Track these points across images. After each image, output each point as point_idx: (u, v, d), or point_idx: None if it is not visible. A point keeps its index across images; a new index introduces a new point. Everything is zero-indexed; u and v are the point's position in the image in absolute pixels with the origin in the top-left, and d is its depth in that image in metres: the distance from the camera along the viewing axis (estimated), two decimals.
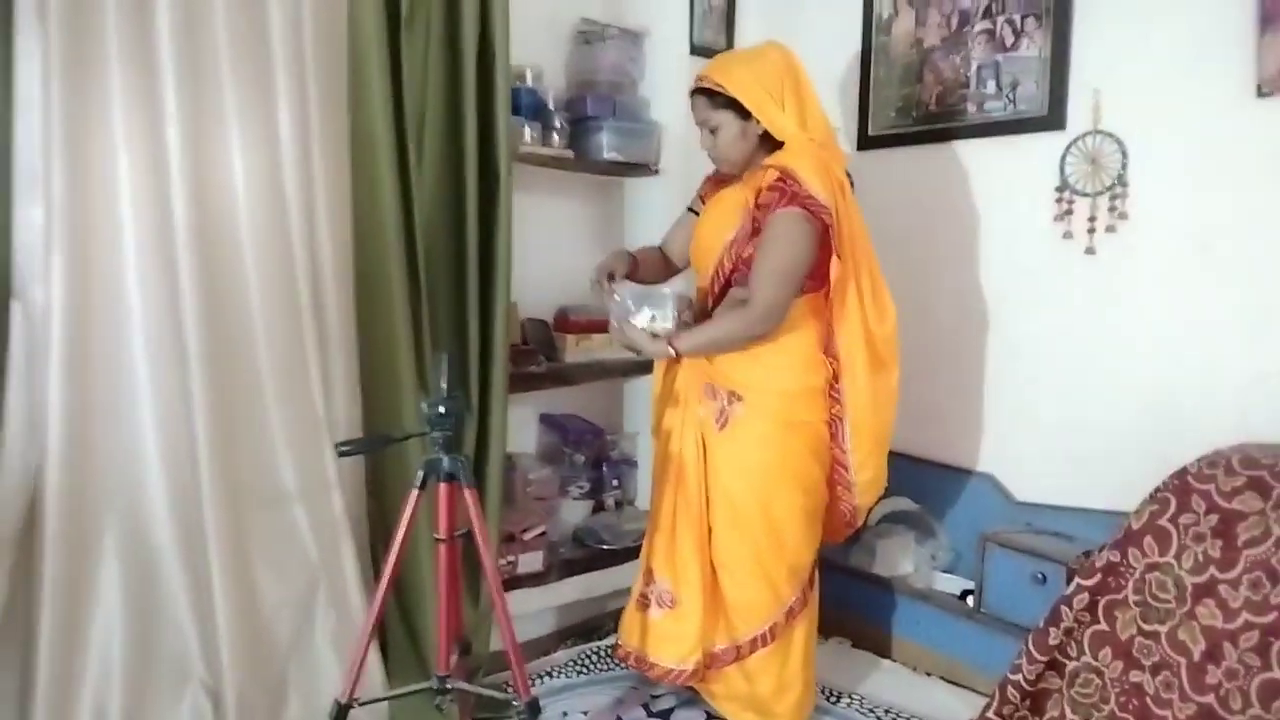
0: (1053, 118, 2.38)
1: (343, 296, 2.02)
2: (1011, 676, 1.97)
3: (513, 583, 2.44)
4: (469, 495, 1.55)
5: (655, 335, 1.93)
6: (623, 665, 2.20)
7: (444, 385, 1.55)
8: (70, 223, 1.67)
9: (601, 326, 2.51)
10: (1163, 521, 1.86)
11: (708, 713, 2.19)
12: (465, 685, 1.69)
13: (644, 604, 2.13)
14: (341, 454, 1.51)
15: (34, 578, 1.68)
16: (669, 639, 2.07)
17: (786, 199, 1.88)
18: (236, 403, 1.86)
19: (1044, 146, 2.39)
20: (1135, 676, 1.82)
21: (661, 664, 2.08)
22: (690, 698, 2.21)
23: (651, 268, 2.21)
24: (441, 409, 1.53)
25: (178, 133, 1.74)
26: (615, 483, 2.82)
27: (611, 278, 2.05)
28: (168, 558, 1.81)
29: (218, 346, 1.82)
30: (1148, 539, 1.86)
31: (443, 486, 1.56)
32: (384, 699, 1.88)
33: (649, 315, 1.93)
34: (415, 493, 1.54)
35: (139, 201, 1.74)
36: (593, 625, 2.72)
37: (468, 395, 2.16)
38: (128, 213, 1.74)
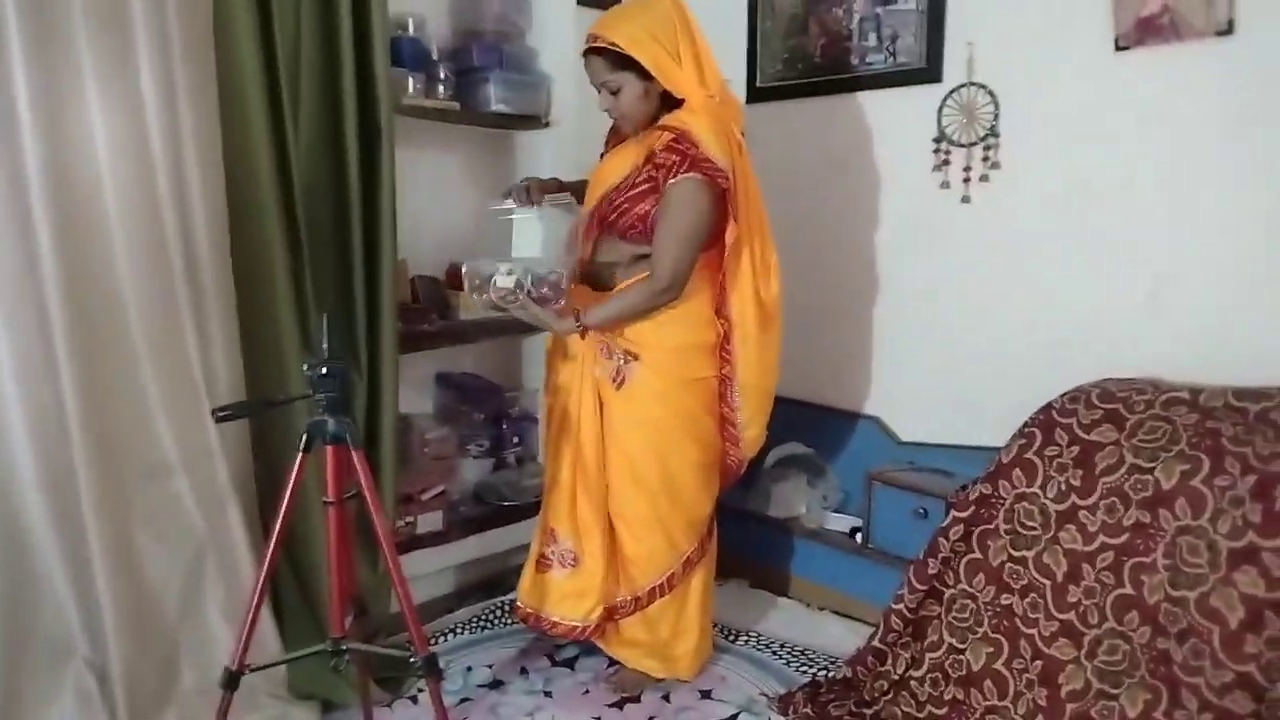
0: (930, 70, 2.45)
1: (218, 256, 1.94)
2: (894, 606, 2.08)
3: (413, 543, 2.43)
4: (356, 457, 1.53)
5: (523, 297, 1.88)
6: (524, 625, 2.21)
7: (325, 346, 1.52)
8: None
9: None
10: (1030, 455, 1.98)
11: (609, 659, 2.25)
12: (361, 645, 1.68)
13: (545, 564, 2.14)
14: (218, 419, 1.46)
15: None
16: (571, 596, 2.10)
17: (685, 163, 1.87)
18: (108, 371, 1.78)
19: (922, 99, 2.46)
20: (1006, 599, 1.95)
21: (565, 622, 2.10)
22: (592, 646, 2.26)
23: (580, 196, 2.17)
24: (324, 370, 1.50)
25: (26, 90, 1.63)
26: (516, 439, 2.82)
27: (529, 192, 2.02)
28: (41, 534, 1.73)
29: (83, 313, 1.73)
30: (1016, 471, 1.98)
31: (330, 449, 1.53)
32: (277, 663, 1.85)
33: (510, 277, 1.86)
34: (300, 456, 1.51)
35: None
36: (495, 581, 2.74)
37: (356, 356, 2.11)
38: None
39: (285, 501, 1.50)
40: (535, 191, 2.05)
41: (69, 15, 1.70)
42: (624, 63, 1.90)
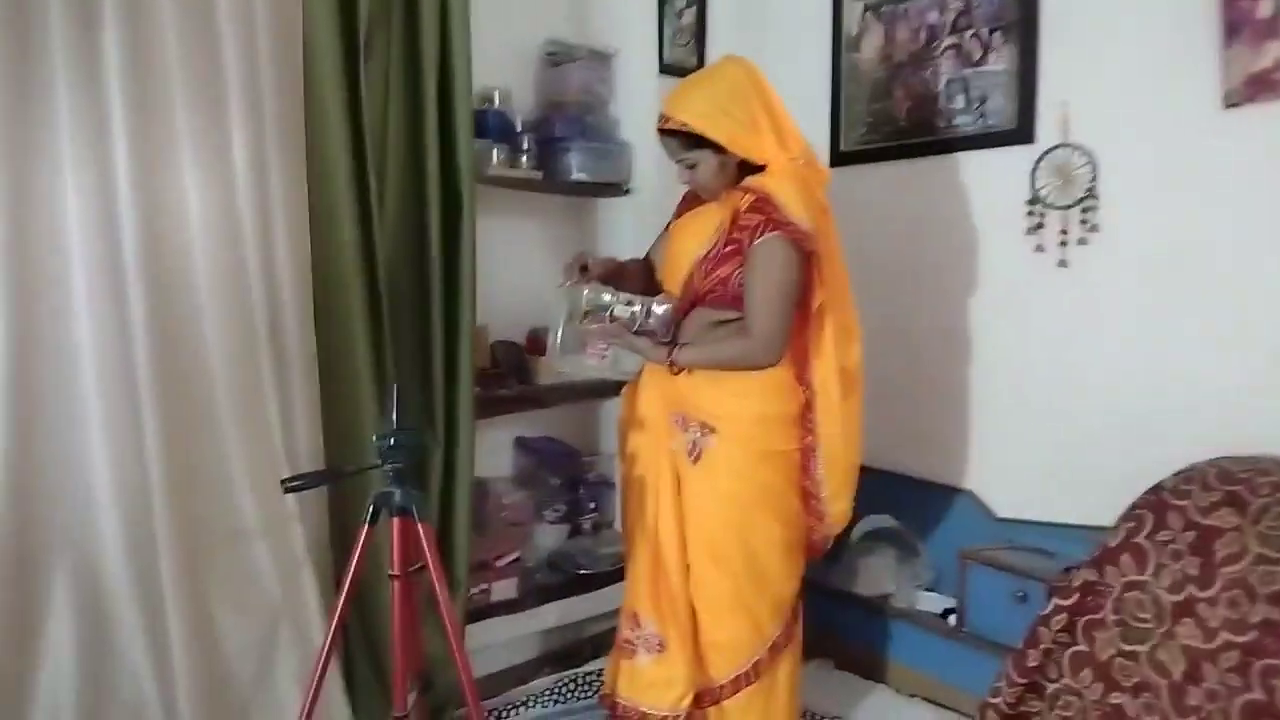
0: (1021, 131, 2.36)
1: (301, 326, 1.98)
2: (991, 700, 1.93)
3: (487, 611, 2.40)
4: (423, 529, 1.50)
5: (639, 331, 1.89)
6: (611, 716, 2.09)
7: (394, 416, 1.51)
8: (13, 254, 1.63)
9: None
10: (1139, 539, 1.83)
11: None
12: None
13: (629, 649, 2.03)
14: (287, 490, 1.47)
15: None
16: (659, 684, 1.98)
17: (768, 225, 1.83)
18: (192, 437, 1.82)
19: (1014, 160, 2.37)
20: (1116, 698, 1.78)
21: (655, 712, 1.98)
22: None
23: (636, 279, 2.13)
24: (392, 441, 1.49)
25: (126, 159, 1.70)
26: (592, 505, 2.78)
27: (584, 269, 1.97)
28: (122, 602, 1.75)
29: (171, 380, 1.77)
30: (1125, 557, 1.83)
31: (395, 521, 1.52)
32: None
33: (629, 308, 1.88)
34: (366, 528, 1.50)
35: (86, 230, 1.70)
36: (571, 652, 2.68)
37: (433, 423, 2.12)
38: (75, 242, 1.70)
39: (349, 575, 1.49)
40: (574, 269, 1.97)
41: (168, 86, 1.78)
42: (698, 140, 1.87)
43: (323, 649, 1.55)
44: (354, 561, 1.49)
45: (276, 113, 1.93)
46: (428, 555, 1.51)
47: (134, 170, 1.72)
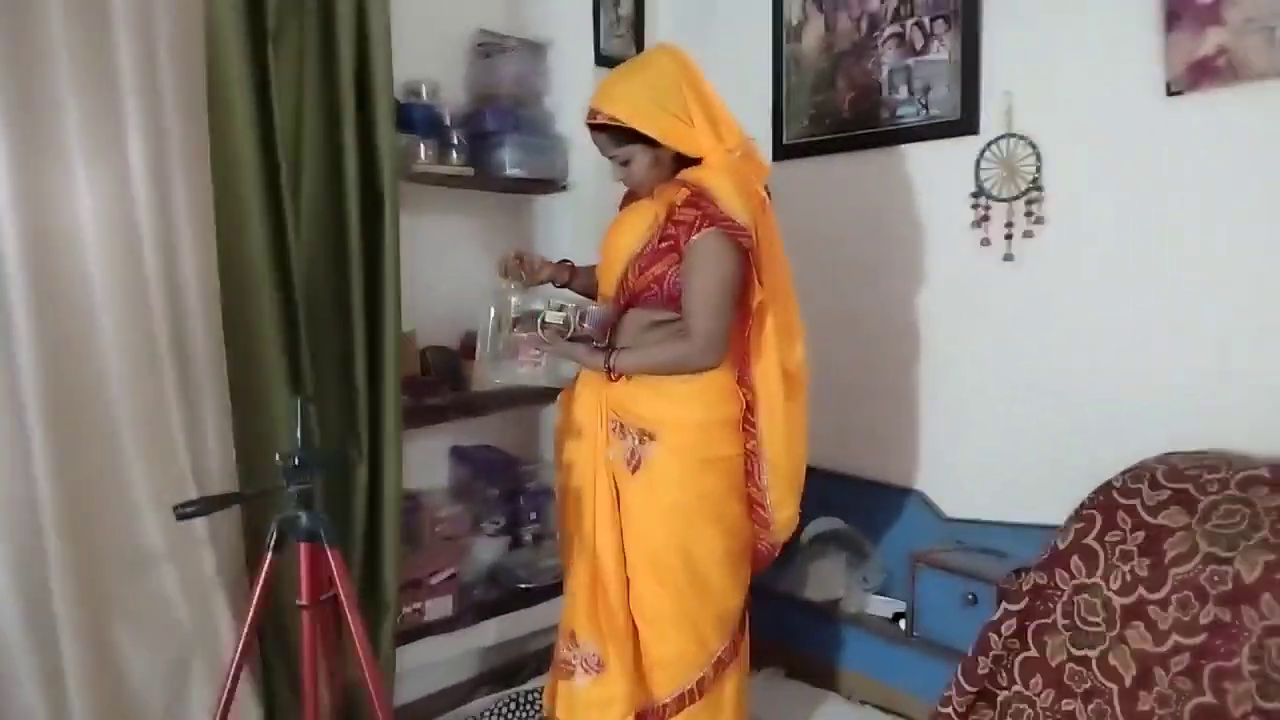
0: (965, 121, 2.30)
1: (209, 335, 1.85)
2: (941, 709, 1.87)
3: (421, 630, 2.29)
4: (332, 556, 1.39)
5: (574, 336, 1.81)
6: None
7: (299, 433, 1.40)
8: None
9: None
10: (1089, 540, 1.79)
11: None
12: None
13: (567, 670, 1.94)
14: (180, 517, 1.34)
15: None
16: (597, 706, 1.89)
17: (704, 220, 1.74)
18: (88, 459, 1.69)
19: (958, 152, 2.31)
20: (1068, 705, 1.73)
21: None
22: None
23: (588, 279, 2.05)
24: (297, 460, 1.38)
25: (6, 157, 1.57)
26: (534, 516, 2.67)
27: (520, 261, 1.91)
28: (11, 636, 1.62)
29: (62, 395, 1.64)
30: (1075, 559, 1.79)
31: (302, 547, 1.40)
32: None
33: (560, 314, 1.80)
34: (269, 557, 1.38)
35: None
36: (514, 669, 2.57)
37: (357, 435, 2.00)
38: None
39: (252, 608, 1.37)
40: (509, 267, 1.93)
41: (53, 78, 1.63)
42: (629, 135, 1.78)
43: (224, 685, 1.43)
44: (257, 592, 1.38)
45: (177, 102, 1.79)
46: (338, 583, 1.40)
47: (13, 177, 1.58)
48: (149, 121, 1.75)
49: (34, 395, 1.60)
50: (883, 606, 2.44)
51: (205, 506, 1.35)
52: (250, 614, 1.37)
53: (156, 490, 1.76)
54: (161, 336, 1.77)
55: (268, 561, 1.38)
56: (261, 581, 1.37)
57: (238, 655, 1.38)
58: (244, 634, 1.40)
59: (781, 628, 2.52)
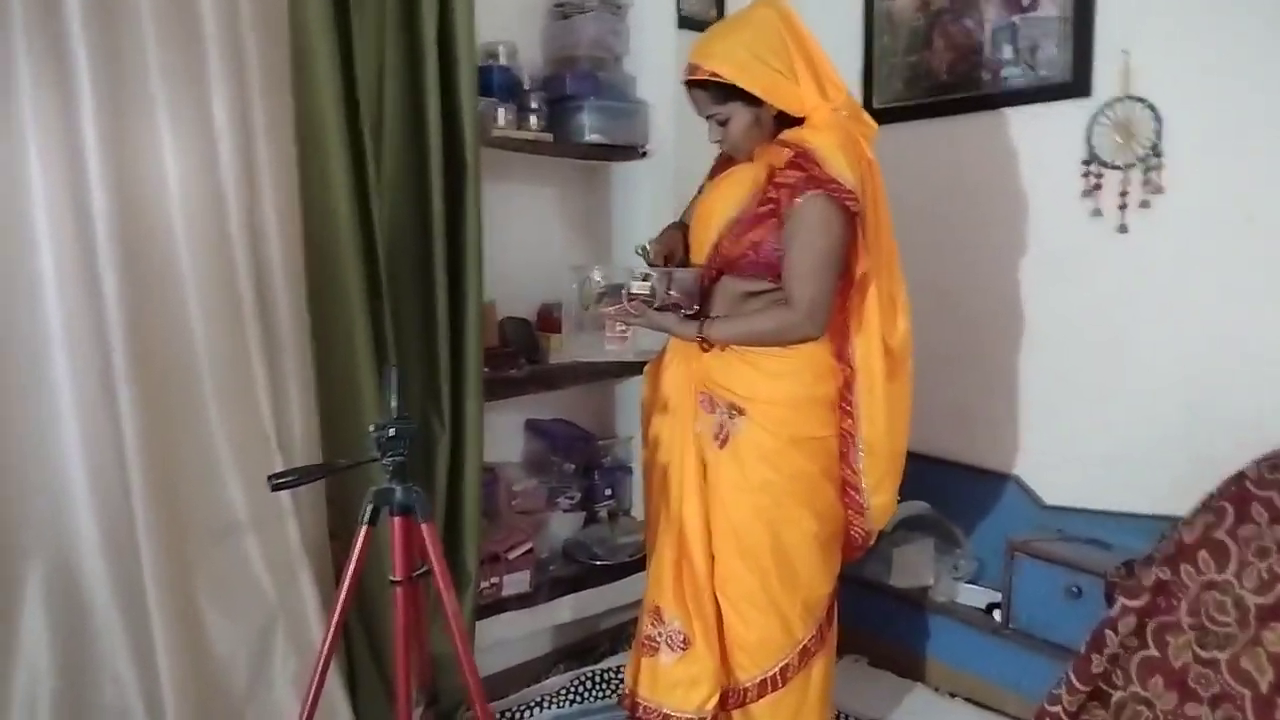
0: (1077, 83, 2.17)
1: (293, 304, 1.80)
2: (1049, 708, 1.77)
3: (498, 606, 2.26)
4: (426, 530, 1.34)
5: (662, 306, 1.74)
6: (631, 717, 1.93)
7: (394, 404, 1.34)
8: None
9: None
10: (1219, 534, 1.65)
11: None
12: None
13: (651, 647, 1.87)
14: (275, 488, 1.30)
15: None
16: (683, 684, 1.83)
17: (808, 182, 1.65)
18: (174, 427, 1.66)
19: (1068, 116, 2.18)
20: (1192, 709, 1.62)
21: (678, 714, 1.83)
22: None
23: (680, 246, 1.96)
24: (392, 431, 1.33)
25: (94, 127, 1.53)
26: (608, 492, 2.62)
27: (668, 260, 1.87)
28: (101, 604, 1.61)
29: (150, 366, 1.61)
30: (1202, 554, 1.66)
31: (396, 521, 1.35)
32: None
33: (645, 283, 1.74)
34: (364, 529, 1.34)
35: (53, 207, 1.52)
36: (588, 646, 2.53)
37: (439, 407, 1.95)
38: (41, 219, 1.53)
39: (346, 582, 1.33)
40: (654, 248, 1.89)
41: (141, 43, 1.59)
42: (730, 92, 1.69)
43: (320, 656, 1.39)
44: (352, 566, 1.33)
45: (261, 67, 1.73)
46: (433, 559, 1.35)
47: (103, 139, 1.54)
48: (233, 88, 1.70)
49: (122, 367, 1.56)
50: (975, 596, 2.33)
51: (301, 477, 1.31)
52: (343, 592, 1.33)
53: (241, 461, 1.74)
54: (246, 303, 1.73)
55: (362, 534, 1.33)
56: (355, 557, 1.33)
57: (332, 629, 1.34)
58: (337, 612, 1.36)
59: (865, 614, 2.43)
